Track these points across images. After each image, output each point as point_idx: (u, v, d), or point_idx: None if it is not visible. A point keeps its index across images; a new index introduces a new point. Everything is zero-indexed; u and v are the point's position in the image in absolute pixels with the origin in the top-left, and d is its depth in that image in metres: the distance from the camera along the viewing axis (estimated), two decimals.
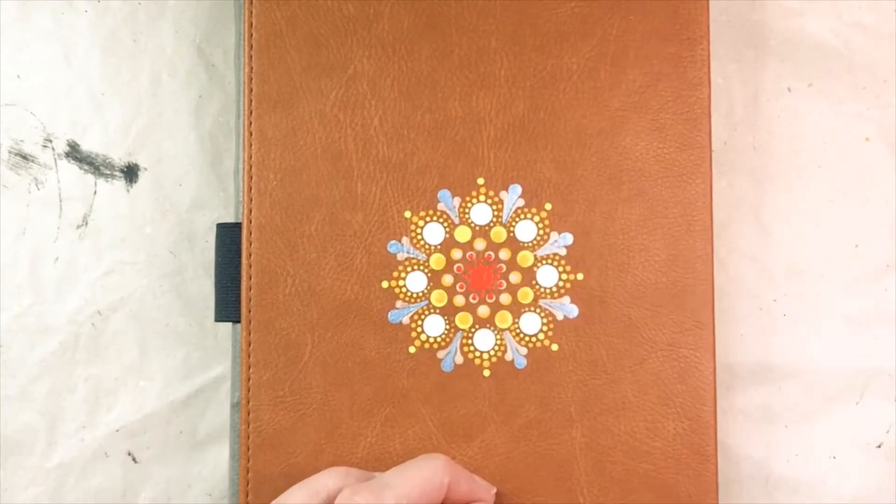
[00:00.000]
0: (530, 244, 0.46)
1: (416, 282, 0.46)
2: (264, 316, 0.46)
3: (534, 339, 0.46)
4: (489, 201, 0.46)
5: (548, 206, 0.46)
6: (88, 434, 0.51)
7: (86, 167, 0.51)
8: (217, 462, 0.51)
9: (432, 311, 0.46)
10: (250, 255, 0.46)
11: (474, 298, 0.46)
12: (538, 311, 0.46)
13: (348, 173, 0.46)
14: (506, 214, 0.46)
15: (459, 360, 0.46)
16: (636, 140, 0.46)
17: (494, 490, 0.45)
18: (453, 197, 0.46)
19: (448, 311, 0.46)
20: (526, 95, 0.46)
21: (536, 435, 0.46)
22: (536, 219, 0.46)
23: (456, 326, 0.46)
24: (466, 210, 0.46)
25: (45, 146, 0.51)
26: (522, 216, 0.46)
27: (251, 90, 0.46)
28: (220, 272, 0.47)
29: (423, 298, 0.46)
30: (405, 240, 0.46)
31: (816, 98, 0.52)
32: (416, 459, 0.43)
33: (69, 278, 0.51)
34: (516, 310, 0.46)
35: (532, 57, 0.46)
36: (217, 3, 0.52)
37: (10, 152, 0.51)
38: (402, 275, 0.46)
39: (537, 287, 0.46)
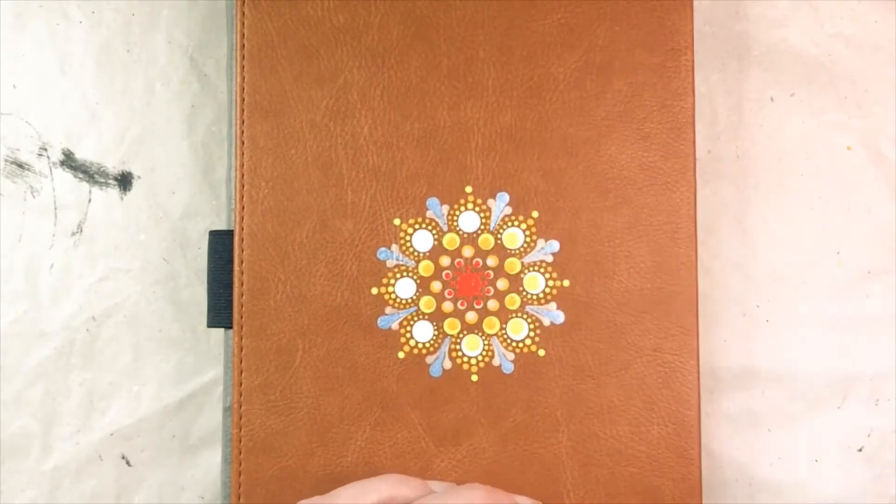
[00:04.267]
0: (517, 251, 0.47)
1: (405, 288, 0.46)
2: (256, 322, 0.46)
3: (521, 345, 0.46)
4: (477, 209, 0.47)
5: (535, 214, 0.47)
6: (83, 438, 0.51)
7: (80, 175, 0.52)
8: (209, 465, 0.52)
9: (421, 317, 0.46)
10: (242, 262, 0.46)
11: (462, 305, 0.46)
12: (525, 317, 0.46)
13: (339, 181, 0.47)
14: (493, 222, 0.47)
15: (448, 365, 0.46)
16: (621, 149, 0.47)
17: None
18: (442, 205, 0.47)
19: (436, 317, 0.46)
20: (513, 105, 0.47)
21: (523, 438, 0.46)
22: (523, 226, 0.47)
23: (444, 332, 0.46)
24: (455, 218, 0.47)
25: (40, 155, 0.51)
26: (510, 224, 0.47)
27: (243, 100, 0.47)
28: (213, 279, 0.48)
29: (412, 305, 0.46)
30: (394, 247, 0.47)
31: (799, 107, 0.53)
32: (460, 487, 0.43)
33: (64, 285, 0.51)
34: (504, 316, 0.46)
35: (519, 67, 0.47)
36: (210, 14, 0.52)
37: (6, 161, 0.51)
38: (392, 281, 0.46)
39: (524, 293, 0.46)
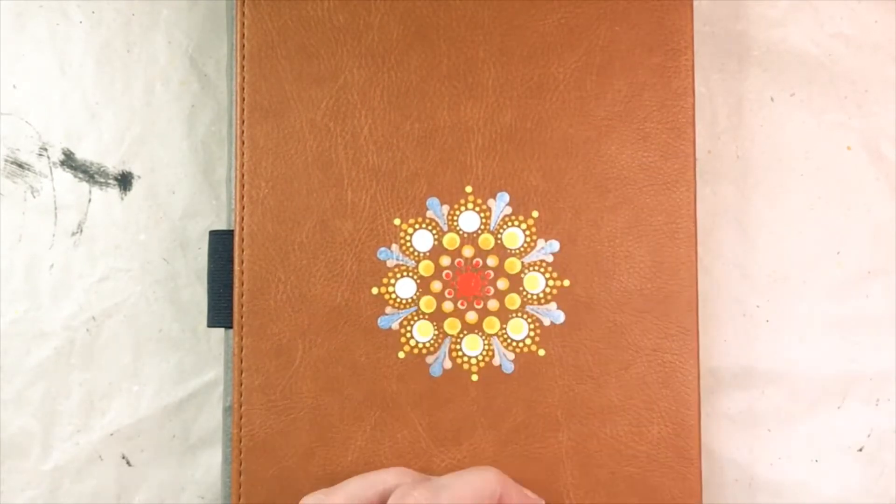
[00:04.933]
0: (517, 251, 0.47)
1: (405, 288, 0.46)
2: (256, 322, 0.46)
3: (521, 345, 0.46)
4: (477, 209, 0.47)
5: (535, 214, 0.47)
6: (83, 438, 0.51)
7: (80, 175, 0.52)
8: (210, 465, 0.52)
9: (421, 316, 0.46)
10: (242, 262, 0.46)
11: (462, 304, 0.46)
12: (525, 316, 0.46)
13: (339, 181, 0.47)
14: (493, 222, 0.47)
15: (448, 365, 0.46)
16: (621, 149, 0.47)
17: (542, 502, 0.45)
18: (442, 205, 0.47)
19: (437, 317, 0.46)
20: (513, 105, 0.47)
21: (523, 438, 0.46)
22: (524, 226, 0.47)
23: (444, 332, 0.46)
24: (455, 217, 0.47)
25: (40, 155, 0.52)
26: (510, 223, 0.47)
27: (243, 99, 0.47)
28: (213, 279, 0.48)
29: (412, 304, 0.46)
30: (394, 247, 0.47)
31: (799, 107, 0.53)
32: (469, 469, 0.43)
33: (64, 285, 0.51)
34: (504, 316, 0.46)
35: (519, 67, 0.47)
36: (210, 14, 0.52)
37: (6, 161, 0.51)
38: (392, 281, 0.46)
39: (524, 293, 0.46)
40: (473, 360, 0.46)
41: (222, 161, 0.52)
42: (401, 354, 0.46)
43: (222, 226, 0.51)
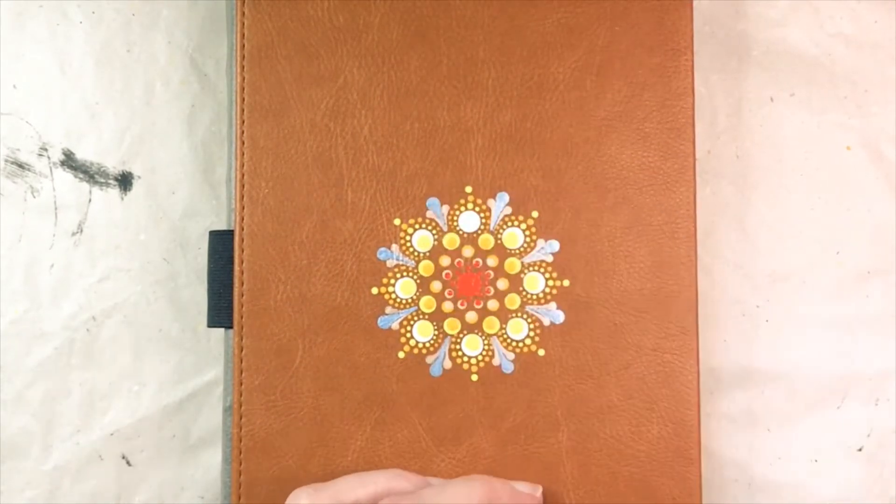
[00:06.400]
0: (517, 251, 0.47)
1: (405, 288, 0.46)
2: (256, 322, 0.46)
3: (521, 345, 0.46)
4: (477, 209, 0.47)
5: (535, 214, 0.47)
6: (83, 437, 0.51)
7: (80, 175, 0.52)
8: (210, 465, 0.52)
9: (421, 316, 0.46)
10: (242, 261, 0.46)
11: (462, 304, 0.46)
12: (525, 316, 0.46)
13: (339, 181, 0.47)
14: (493, 222, 0.47)
15: (448, 364, 0.46)
16: (621, 149, 0.47)
17: (539, 488, 0.45)
18: (442, 205, 0.47)
19: (437, 317, 0.46)
20: (513, 105, 0.47)
21: (523, 438, 0.46)
22: (523, 226, 0.47)
23: (444, 332, 0.46)
24: (455, 217, 0.47)
25: (40, 155, 0.52)
26: (510, 224, 0.47)
27: (243, 100, 0.47)
28: (213, 279, 0.48)
29: (412, 304, 0.46)
30: (394, 247, 0.47)
31: (798, 107, 0.53)
32: (457, 480, 0.44)
33: (64, 285, 0.51)
34: (504, 316, 0.47)
35: (519, 67, 0.47)
36: (210, 14, 0.52)
37: (6, 161, 0.51)
38: (392, 281, 0.46)
39: (524, 293, 0.47)
40: (473, 360, 0.46)
41: (222, 161, 0.52)
42: (401, 354, 0.46)
43: (222, 226, 0.51)
